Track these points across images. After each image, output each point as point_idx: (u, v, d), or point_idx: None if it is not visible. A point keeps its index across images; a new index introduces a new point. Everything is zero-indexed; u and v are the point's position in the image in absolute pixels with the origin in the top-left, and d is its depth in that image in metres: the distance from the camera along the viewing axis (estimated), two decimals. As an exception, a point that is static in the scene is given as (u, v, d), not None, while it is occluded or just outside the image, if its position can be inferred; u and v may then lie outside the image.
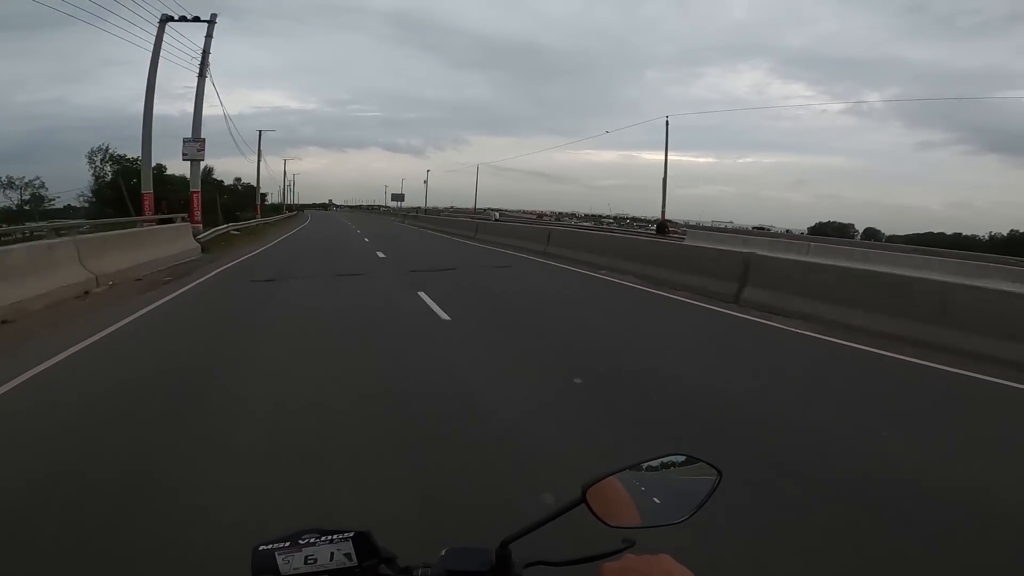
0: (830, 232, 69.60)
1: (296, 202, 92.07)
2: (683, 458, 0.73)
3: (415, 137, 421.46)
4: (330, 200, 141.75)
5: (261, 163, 42.76)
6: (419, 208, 77.12)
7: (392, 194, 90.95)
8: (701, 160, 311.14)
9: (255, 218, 32.91)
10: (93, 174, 39.09)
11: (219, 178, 48.27)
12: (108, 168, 38.74)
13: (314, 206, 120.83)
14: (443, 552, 0.72)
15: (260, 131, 42.46)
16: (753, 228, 69.99)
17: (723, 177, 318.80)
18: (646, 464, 0.72)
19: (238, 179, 53.21)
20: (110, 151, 38.97)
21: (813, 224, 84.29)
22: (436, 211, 67.59)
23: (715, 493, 0.71)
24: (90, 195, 37.70)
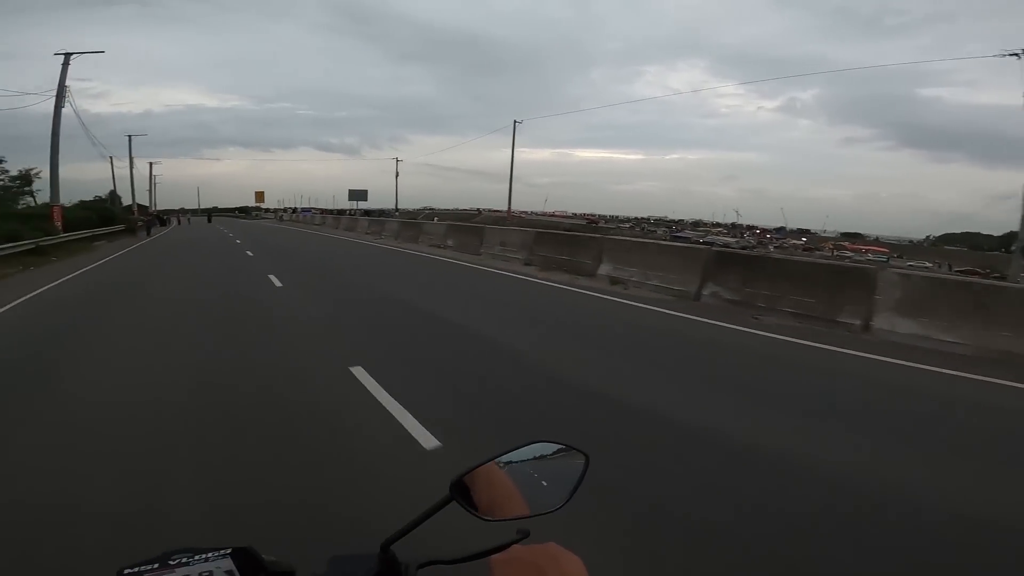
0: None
1: (200, 207, 76.48)
2: (546, 446, 0.73)
3: (350, 135, 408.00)
4: (274, 201, 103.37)
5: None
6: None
7: (350, 190, 61.42)
8: (631, 157, 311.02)
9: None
10: None
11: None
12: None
13: (220, 211, 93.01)
14: (329, 560, 0.70)
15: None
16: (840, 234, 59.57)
17: (651, 173, 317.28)
18: (510, 455, 0.72)
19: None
20: None
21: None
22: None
23: (586, 477, 0.72)
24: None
